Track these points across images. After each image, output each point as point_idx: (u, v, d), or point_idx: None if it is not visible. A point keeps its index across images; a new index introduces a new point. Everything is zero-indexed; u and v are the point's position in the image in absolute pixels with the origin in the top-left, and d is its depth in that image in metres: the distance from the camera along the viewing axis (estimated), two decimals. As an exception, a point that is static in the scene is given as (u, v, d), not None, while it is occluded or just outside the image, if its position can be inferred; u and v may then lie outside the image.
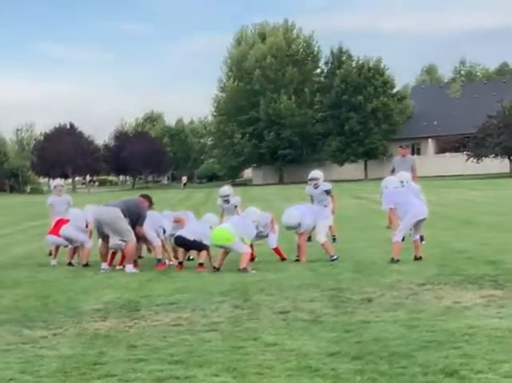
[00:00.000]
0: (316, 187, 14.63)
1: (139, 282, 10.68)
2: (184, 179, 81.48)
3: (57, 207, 15.21)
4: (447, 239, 14.45)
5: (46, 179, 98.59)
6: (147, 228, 12.27)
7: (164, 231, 12.51)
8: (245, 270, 10.98)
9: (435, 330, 6.63)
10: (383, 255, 12.24)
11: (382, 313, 7.61)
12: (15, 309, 8.79)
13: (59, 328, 7.55)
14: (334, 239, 14.89)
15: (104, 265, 12.21)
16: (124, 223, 11.98)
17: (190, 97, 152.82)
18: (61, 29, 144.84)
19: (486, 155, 60.83)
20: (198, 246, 11.81)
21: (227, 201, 13.82)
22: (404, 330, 6.71)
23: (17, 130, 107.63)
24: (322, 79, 79.21)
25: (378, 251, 13.01)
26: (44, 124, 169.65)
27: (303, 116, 73.56)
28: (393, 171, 17.41)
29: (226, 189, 14.20)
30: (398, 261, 11.15)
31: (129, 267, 11.93)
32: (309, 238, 13.14)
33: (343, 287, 9.37)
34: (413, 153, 69.53)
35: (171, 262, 12.34)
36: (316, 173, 15.01)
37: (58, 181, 17.36)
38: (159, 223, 12.52)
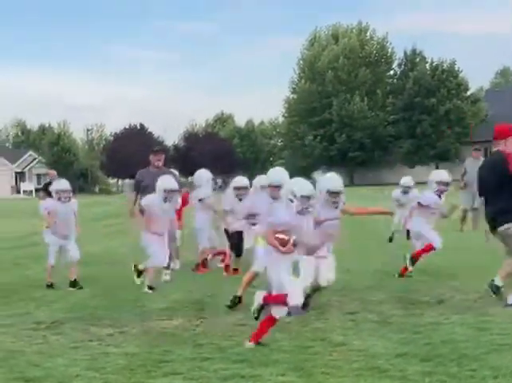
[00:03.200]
0: (405, 193, 14.99)
1: (207, 283, 10.77)
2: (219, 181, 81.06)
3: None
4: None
5: (115, 180, 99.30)
6: None
7: None
8: None
9: (507, 333, 6.54)
10: (451, 259, 12.19)
11: (451, 315, 7.57)
12: (83, 307, 8.95)
13: (125, 326, 7.65)
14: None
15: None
16: None
17: (260, 99, 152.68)
18: (127, 30, 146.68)
19: None
20: None
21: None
22: (474, 332, 6.65)
23: (87, 130, 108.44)
24: (395, 81, 78.33)
25: (446, 255, 12.76)
26: (114, 125, 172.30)
27: (375, 118, 72.93)
28: (465, 174, 17.33)
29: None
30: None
31: None
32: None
33: (412, 289, 9.36)
34: (486, 156, 68.22)
35: None
36: (408, 180, 15.37)
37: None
38: None
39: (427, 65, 75.46)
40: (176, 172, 12.86)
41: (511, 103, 74.82)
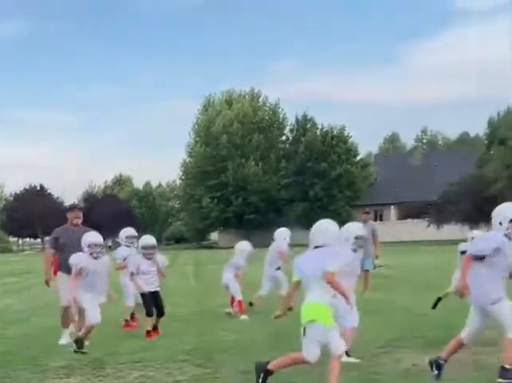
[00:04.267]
0: None
1: (106, 340, 10.75)
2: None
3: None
4: (407, 303, 14.70)
5: (16, 239, 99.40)
6: None
7: None
8: None
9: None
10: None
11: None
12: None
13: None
14: None
15: None
16: None
17: (157, 161, 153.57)
18: (33, 94, 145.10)
19: (447, 222, 61.85)
20: None
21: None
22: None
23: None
24: (287, 146, 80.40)
25: None
26: (13, 186, 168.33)
27: (269, 181, 74.43)
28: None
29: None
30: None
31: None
32: None
33: None
34: (376, 219, 70.59)
35: None
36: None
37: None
38: None
39: (318, 131, 77.96)
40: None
41: (399, 168, 77.97)
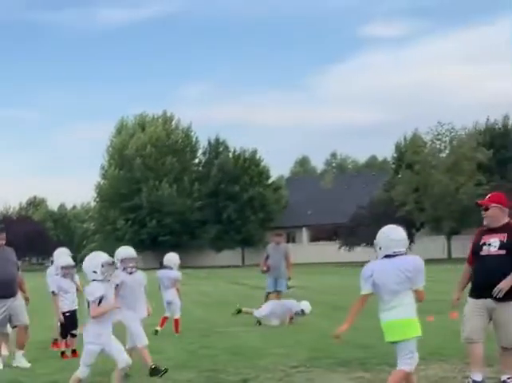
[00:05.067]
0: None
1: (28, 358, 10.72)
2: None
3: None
4: (319, 324, 14.89)
5: None
6: None
7: None
8: None
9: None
10: (260, 338, 12.75)
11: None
12: None
13: None
14: None
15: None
16: None
17: (72, 184, 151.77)
18: None
19: (357, 244, 63.26)
20: None
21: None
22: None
23: None
24: (200, 168, 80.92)
25: (255, 335, 13.52)
26: None
27: (183, 204, 74.63)
28: (267, 258, 18.04)
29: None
30: None
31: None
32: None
33: (219, 369, 9.72)
34: (288, 241, 71.47)
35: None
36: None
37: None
38: None
39: (230, 154, 78.83)
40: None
41: (310, 191, 79.32)
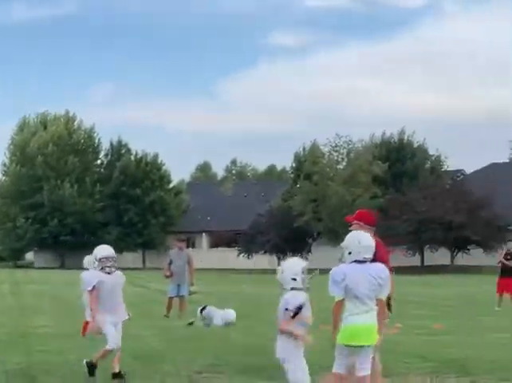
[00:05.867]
0: None
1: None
2: None
3: None
4: (222, 331, 14.97)
5: None
6: None
7: None
8: None
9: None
10: (164, 342, 13.01)
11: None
12: None
13: None
14: None
15: None
16: None
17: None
18: None
19: (256, 252, 64.32)
20: None
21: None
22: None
23: None
24: (102, 170, 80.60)
25: (159, 339, 13.77)
26: None
27: (84, 204, 74.29)
28: (170, 264, 18.44)
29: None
30: None
31: None
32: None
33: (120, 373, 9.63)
34: (188, 246, 72.01)
35: None
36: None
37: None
38: None
39: (132, 157, 78.96)
40: None
41: (210, 196, 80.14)
